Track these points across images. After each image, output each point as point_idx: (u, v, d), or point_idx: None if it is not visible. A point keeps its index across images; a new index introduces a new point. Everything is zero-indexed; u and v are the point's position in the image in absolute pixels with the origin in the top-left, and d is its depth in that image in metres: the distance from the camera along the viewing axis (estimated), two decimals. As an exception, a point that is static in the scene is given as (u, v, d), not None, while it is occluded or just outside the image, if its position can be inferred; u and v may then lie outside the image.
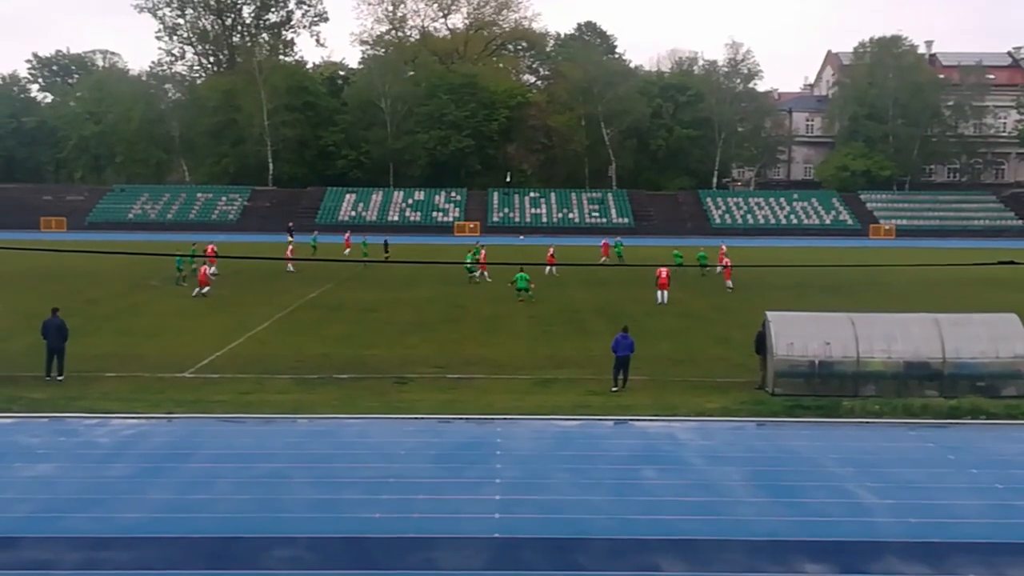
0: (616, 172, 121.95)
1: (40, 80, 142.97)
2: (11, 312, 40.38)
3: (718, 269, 57.99)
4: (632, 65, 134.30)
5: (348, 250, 72.03)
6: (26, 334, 32.31)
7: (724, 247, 64.21)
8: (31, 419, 24.28)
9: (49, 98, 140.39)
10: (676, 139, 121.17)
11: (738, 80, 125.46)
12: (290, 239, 74.21)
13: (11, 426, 23.84)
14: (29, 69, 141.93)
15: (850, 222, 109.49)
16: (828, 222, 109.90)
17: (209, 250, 55.55)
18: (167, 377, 29.13)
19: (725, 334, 37.68)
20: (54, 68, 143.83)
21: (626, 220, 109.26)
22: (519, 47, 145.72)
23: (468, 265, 53.46)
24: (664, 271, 46.71)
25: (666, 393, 27.59)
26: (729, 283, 52.67)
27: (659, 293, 46.57)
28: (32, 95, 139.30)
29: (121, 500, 18.22)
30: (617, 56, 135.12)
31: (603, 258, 67.67)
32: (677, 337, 37.46)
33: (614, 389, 27.78)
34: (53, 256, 55.50)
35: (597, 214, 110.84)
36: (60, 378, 28.24)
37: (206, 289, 46.36)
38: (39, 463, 20.70)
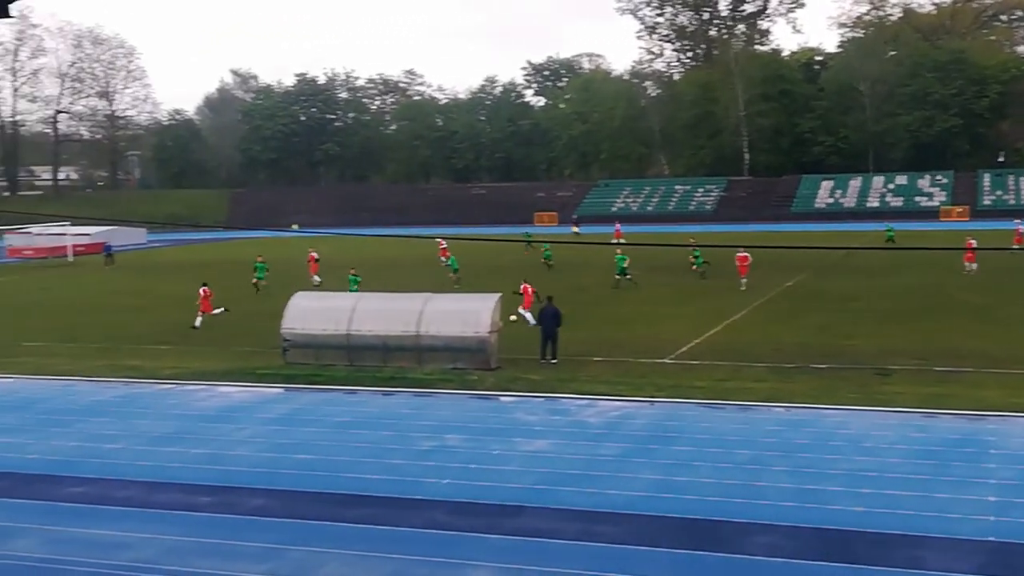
0: None
1: (534, 85, 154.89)
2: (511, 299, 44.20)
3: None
4: None
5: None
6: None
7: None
8: (529, 398, 26.50)
9: (541, 102, 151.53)
10: None
11: None
12: (441, 244, 65.56)
13: (512, 404, 26.22)
14: (524, 76, 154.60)
15: None
16: None
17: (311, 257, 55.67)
18: (648, 363, 30.47)
19: None
20: (546, 73, 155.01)
21: None
22: (1013, 16, 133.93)
23: None
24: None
25: None
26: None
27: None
28: (526, 100, 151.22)
29: (610, 477, 19.36)
30: None
31: None
32: None
33: None
34: (552, 248, 60.61)
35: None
36: (554, 361, 30.52)
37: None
38: (537, 439, 22.55)
